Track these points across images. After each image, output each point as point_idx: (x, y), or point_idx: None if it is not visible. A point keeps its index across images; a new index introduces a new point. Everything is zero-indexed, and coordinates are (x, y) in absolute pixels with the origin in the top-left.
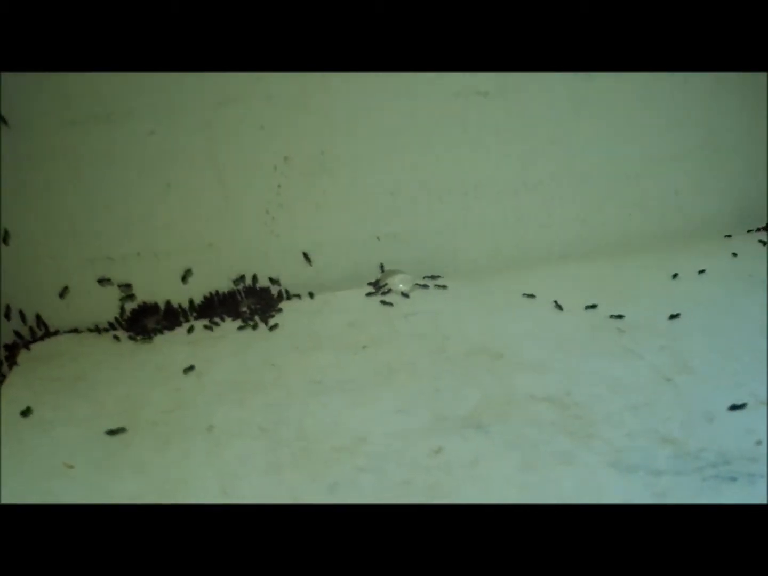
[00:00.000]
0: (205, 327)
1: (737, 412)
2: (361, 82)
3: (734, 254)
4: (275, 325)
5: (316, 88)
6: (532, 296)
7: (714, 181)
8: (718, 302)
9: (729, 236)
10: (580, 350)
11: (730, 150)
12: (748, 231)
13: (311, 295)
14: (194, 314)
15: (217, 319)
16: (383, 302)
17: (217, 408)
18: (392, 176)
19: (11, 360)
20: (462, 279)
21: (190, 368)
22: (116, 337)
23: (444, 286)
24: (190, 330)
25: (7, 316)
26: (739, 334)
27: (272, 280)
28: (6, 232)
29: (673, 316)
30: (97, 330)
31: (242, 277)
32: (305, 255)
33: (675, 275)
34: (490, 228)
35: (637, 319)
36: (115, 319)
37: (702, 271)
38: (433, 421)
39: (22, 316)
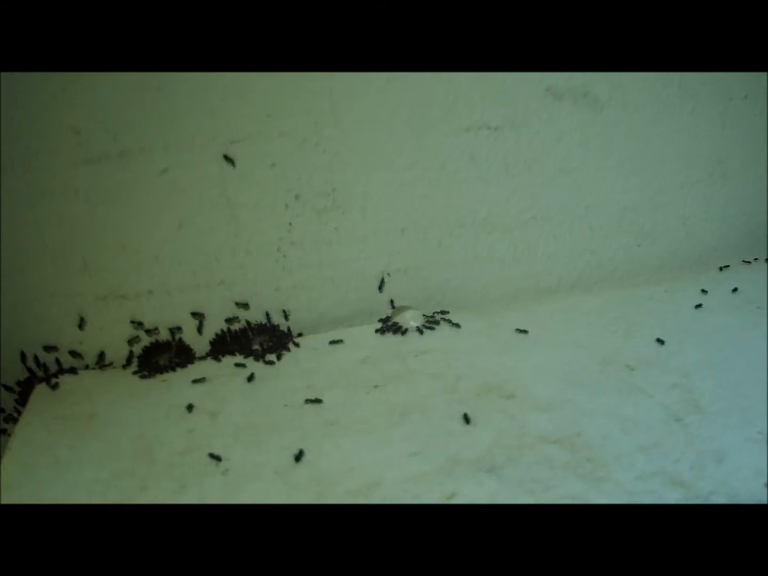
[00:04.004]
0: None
1: (746, 452)
2: (371, 118)
3: (737, 287)
4: (287, 362)
5: (327, 125)
6: (529, 332)
7: (722, 209)
8: (726, 334)
9: (727, 266)
10: (590, 388)
11: (738, 178)
12: (755, 259)
13: (322, 331)
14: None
15: (228, 357)
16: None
17: (232, 450)
18: (403, 212)
19: (25, 397)
20: (472, 313)
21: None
22: (134, 374)
23: (455, 323)
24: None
25: (23, 359)
26: (747, 367)
27: (284, 317)
28: (82, 319)
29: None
30: (110, 366)
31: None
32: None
33: (683, 306)
34: (500, 261)
35: (645, 353)
36: (128, 356)
37: (708, 302)
38: (446, 463)
39: (36, 354)
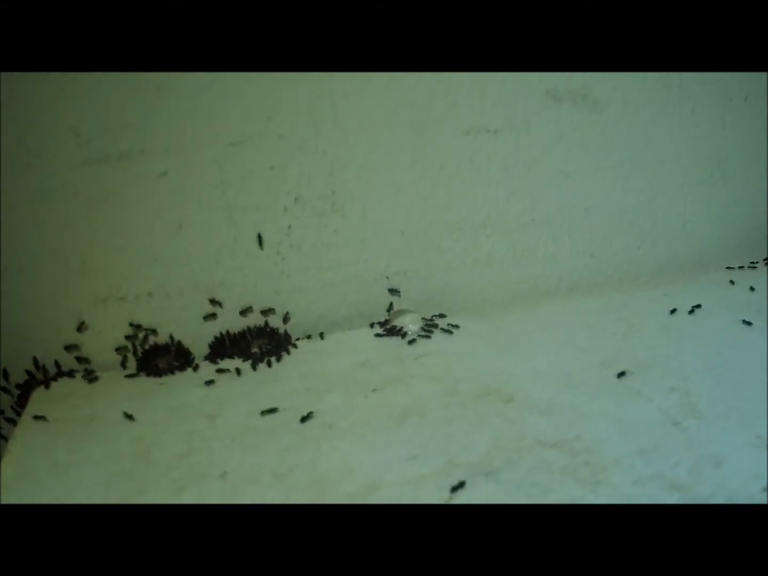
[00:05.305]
0: (218, 371)
1: (744, 456)
2: (371, 120)
3: (738, 285)
4: (285, 365)
5: (326, 127)
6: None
7: (722, 210)
8: (725, 337)
9: (731, 268)
10: (589, 391)
11: (738, 179)
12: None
13: (321, 335)
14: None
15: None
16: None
17: (231, 453)
18: (402, 215)
19: (24, 399)
20: (471, 316)
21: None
22: (129, 376)
23: (455, 325)
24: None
25: (5, 376)
26: (745, 371)
27: (283, 320)
28: (82, 322)
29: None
30: (108, 369)
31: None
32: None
33: (681, 310)
34: (499, 263)
35: (644, 356)
36: (127, 358)
37: (705, 305)
38: (445, 467)
39: (35, 356)
